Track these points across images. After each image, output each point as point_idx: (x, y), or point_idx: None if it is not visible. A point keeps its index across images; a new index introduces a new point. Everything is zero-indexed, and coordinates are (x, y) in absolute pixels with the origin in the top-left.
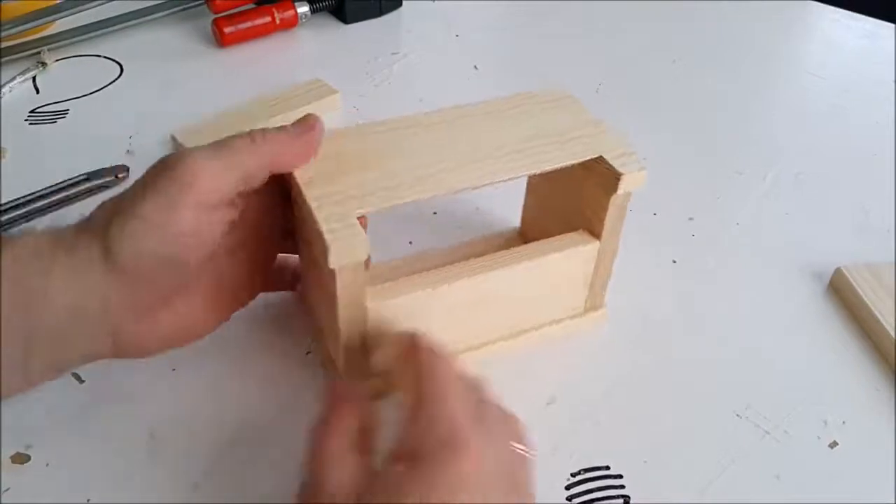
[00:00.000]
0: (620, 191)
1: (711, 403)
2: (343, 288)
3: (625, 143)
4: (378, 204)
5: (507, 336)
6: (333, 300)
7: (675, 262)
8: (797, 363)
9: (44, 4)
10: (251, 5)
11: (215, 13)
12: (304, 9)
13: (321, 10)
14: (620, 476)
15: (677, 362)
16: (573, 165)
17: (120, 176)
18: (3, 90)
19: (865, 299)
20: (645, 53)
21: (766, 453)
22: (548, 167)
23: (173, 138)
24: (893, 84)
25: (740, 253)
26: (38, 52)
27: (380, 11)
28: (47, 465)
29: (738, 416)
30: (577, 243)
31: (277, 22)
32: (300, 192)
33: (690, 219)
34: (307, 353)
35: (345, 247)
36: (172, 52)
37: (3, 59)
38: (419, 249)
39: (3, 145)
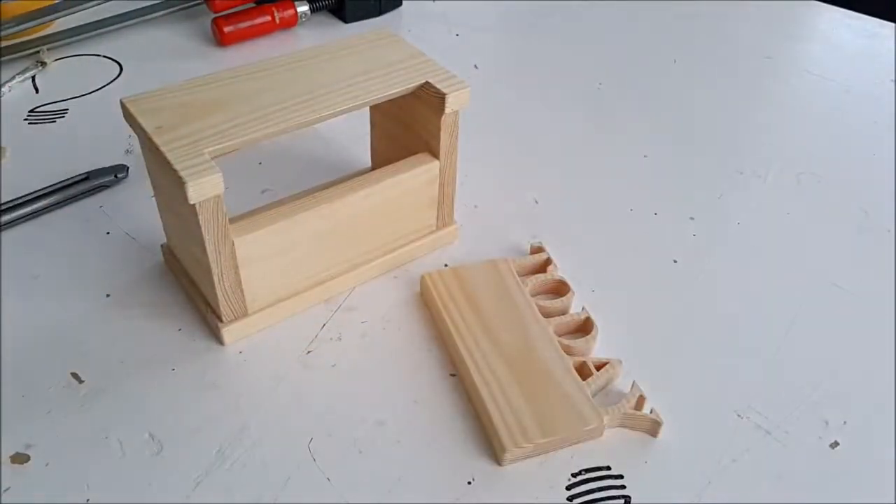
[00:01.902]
0: (448, 110)
1: (711, 403)
2: (206, 223)
3: (446, 70)
4: (227, 142)
5: (370, 259)
6: (200, 239)
7: (675, 261)
8: (797, 363)
9: (43, 4)
10: (251, 4)
11: (215, 12)
12: (303, 8)
13: (321, 9)
14: (621, 476)
15: (678, 362)
16: (406, 96)
17: (119, 175)
18: (3, 90)
19: None
20: (645, 53)
21: (767, 453)
22: (378, 96)
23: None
24: (893, 84)
25: (741, 253)
26: (38, 52)
27: (380, 11)
28: (47, 465)
29: (738, 416)
30: (421, 163)
31: (277, 21)
32: (150, 141)
33: (691, 219)
34: (308, 352)
35: (201, 182)
36: (172, 52)
37: (3, 59)
38: (276, 197)
39: (3, 145)
